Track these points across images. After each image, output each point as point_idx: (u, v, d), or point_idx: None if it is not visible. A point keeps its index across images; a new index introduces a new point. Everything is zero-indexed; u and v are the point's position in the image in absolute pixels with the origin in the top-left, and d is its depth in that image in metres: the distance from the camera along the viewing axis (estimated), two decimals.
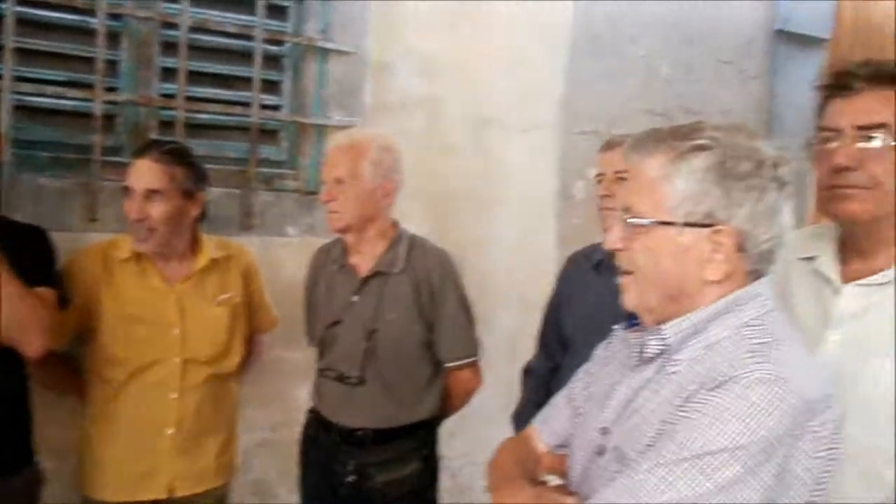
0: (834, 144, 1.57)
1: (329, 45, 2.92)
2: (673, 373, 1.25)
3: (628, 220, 1.27)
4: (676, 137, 1.26)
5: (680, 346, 1.26)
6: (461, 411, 2.57)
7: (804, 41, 3.83)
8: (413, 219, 2.65)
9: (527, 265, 3.37)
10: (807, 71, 3.70)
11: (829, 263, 1.66)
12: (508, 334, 3.28)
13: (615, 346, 1.46)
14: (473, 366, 2.45)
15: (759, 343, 1.21)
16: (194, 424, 2.32)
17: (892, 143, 1.51)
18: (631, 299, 1.31)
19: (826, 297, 1.64)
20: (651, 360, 1.30)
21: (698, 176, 1.22)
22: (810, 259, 1.71)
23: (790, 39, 3.80)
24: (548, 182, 3.40)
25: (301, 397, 2.75)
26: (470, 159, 3.22)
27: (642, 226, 1.26)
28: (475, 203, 3.26)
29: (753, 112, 3.80)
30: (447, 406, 2.50)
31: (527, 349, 2.49)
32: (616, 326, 1.48)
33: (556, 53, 3.33)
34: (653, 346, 1.29)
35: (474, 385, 2.48)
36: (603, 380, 1.41)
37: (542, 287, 2.49)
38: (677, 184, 1.23)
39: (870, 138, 1.52)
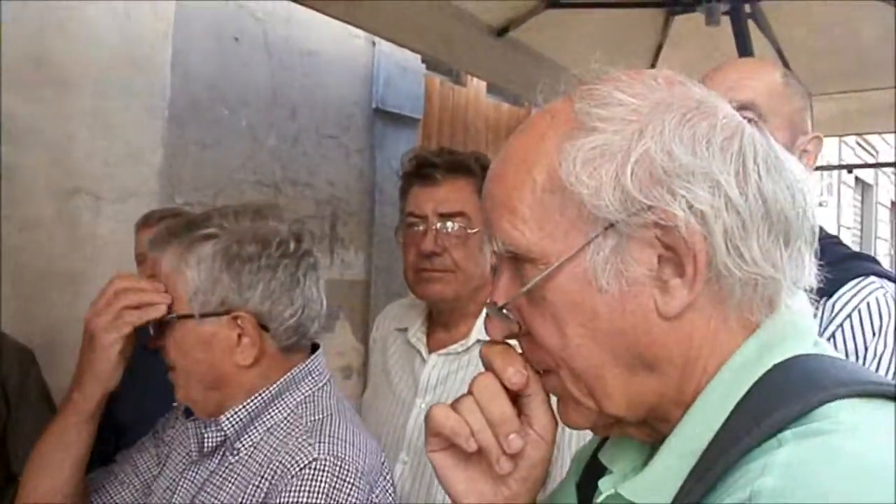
0: (420, 229, 1.69)
1: None
2: (235, 462, 1.23)
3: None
4: (187, 229, 1.27)
5: (240, 434, 1.26)
6: None
7: (400, 119, 4.14)
8: None
9: None
10: (403, 146, 3.99)
11: (417, 335, 1.78)
12: None
13: (177, 433, 1.40)
14: None
15: (314, 420, 1.24)
16: None
17: (470, 231, 1.66)
18: (179, 395, 1.29)
19: (416, 366, 1.75)
20: (213, 451, 1.27)
21: (207, 265, 1.24)
22: (404, 330, 1.82)
23: (387, 117, 4.08)
24: None
25: None
26: (54, 232, 2.91)
27: (167, 322, 1.25)
28: (63, 280, 2.94)
29: (356, 183, 3.99)
30: None
31: None
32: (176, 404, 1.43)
33: (153, 120, 3.18)
34: (212, 437, 1.26)
35: None
36: (166, 474, 1.35)
37: None
38: (189, 275, 1.24)
39: (451, 225, 1.67)
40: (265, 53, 3.54)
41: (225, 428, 1.25)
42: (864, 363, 1.36)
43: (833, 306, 1.41)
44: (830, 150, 12.25)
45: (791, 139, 1.49)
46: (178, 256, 1.25)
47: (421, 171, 1.72)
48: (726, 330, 0.70)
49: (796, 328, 0.72)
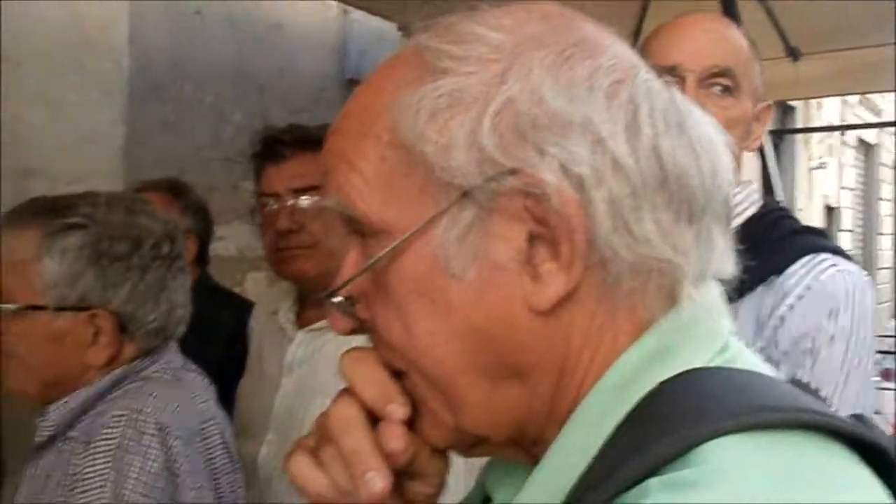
0: (274, 208, 1.67)
1: None
2: (69, 450, 1.19)
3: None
4: (51, 214, 1.20)
5: (71, 426, 1.21)
6: None
7: None
8: None
9: None
10: None
11: (288, 315, 1.77)
12: None
13: None
14: None
15: (134, 388, 1.22)
16: None
17: (326, 204, 1.60)
18: (10, 383, 1.24)
19: (284, 346, 1.74)
20: (49, 443, 1.22)
21: (71, 257, 1.17)
22: (276, 312, 1.82)
23: None
24: None
25: None
26: None
27: (13, 311, 1.18)
28: None
29: None
30: None
31: None
32: None
33: (112, 100, 3.06)
34: (43, 430, 1.22)
35: None
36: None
37: None
38: (48, 265, 1.17)
39: (305, 200, 1.63)
40: (229, 27, 3.40)
41: (54, 419, 1.20)
42: (814, 347, 1.25)
43: (783, 285, 1.29)
44: (831, 110, 12.04)
45: (754, 107, 1.39)
46: (38, 243, 1.18)
47: (268, 149, 1.69)
48: (612, 330, 0.56)
49: (697, 332, 0.57)
